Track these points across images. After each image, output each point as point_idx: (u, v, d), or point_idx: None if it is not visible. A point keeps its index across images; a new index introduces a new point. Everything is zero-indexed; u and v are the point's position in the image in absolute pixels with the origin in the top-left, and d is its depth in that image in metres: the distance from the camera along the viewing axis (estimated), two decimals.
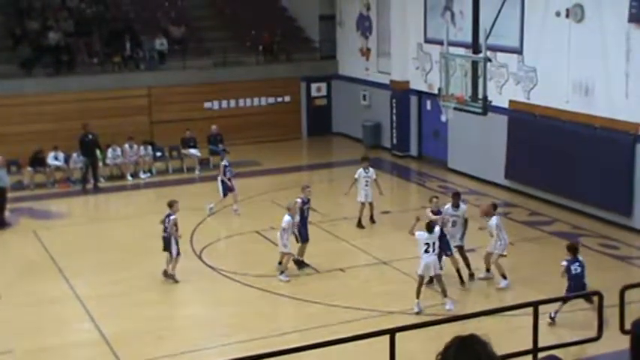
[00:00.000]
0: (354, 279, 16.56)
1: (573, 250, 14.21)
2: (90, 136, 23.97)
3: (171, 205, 16.48)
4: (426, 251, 14.46)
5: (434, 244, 14.55)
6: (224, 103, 29.01)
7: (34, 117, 25.90)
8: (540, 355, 9.22)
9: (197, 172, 25.49)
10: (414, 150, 26.94)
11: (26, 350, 13.47)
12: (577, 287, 13.42)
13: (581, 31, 19.81)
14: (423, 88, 25.97)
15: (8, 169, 23.58)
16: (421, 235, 14.54)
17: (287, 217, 16.30)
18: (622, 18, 18.51)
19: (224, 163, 21.05)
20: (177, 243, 16.28)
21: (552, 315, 13.59)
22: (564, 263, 13.93)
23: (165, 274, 16.30)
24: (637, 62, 18.48)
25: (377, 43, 28.34)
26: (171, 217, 16.24)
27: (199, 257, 17.84)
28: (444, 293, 14.62)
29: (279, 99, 29.81)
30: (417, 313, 14.35)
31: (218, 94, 28.82)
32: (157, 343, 13.71)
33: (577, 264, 13.94)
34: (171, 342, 13.76)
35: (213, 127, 26.30)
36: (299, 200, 16.98)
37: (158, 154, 25.82)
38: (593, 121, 19.63)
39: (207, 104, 28.70)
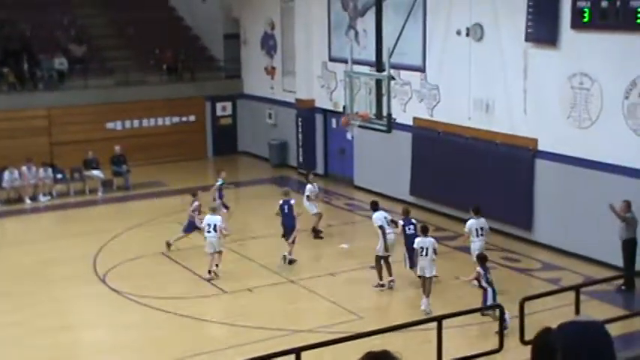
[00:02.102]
0: (262, 298, 16.41)
1: (483, 259, 14.54)
2: None
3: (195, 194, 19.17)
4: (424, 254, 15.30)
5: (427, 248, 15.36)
6: (127, 123, 28.47)
7: None
8: None
9: (100, 193, 24.89)
10: (320, 168, 26.99)
11: None
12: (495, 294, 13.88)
13: (481, 50, 20.27)
14: (329, 106, 26.10)
15: None
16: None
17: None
18: (519, 37, 19.02)
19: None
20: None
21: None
22: (480, 271, 14.26)
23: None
24: (534, 80, 19.01)
25: (282, 62, 28.36)
26: (195, 204, 18.65)
27: (103, 280, 17.38)
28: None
29: (184, 118, 29.47)
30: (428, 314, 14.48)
31: (121, 114, 28.27)
32: None
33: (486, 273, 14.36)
34: None
35: (116, 147, 25.78)
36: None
37: (59, 176, 25.09)
38: (494, 137, 20.08)
39: (109, 124, 28.11)
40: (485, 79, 20.21)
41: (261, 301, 16.25)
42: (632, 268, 15.92)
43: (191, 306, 15.90)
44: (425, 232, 15.68)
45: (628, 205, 16.03)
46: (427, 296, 15.28)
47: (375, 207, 17.19)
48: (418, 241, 15.38)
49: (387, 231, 16.52)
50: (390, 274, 16.53)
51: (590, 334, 3.50)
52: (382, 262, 16.49)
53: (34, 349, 14.15)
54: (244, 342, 13.97)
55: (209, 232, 17.13)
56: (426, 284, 15.38)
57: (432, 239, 15.67)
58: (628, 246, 15.99)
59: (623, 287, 15.97)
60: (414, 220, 16.55)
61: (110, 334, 15.00)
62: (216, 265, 17.20)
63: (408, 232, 16.21)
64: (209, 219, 17.33)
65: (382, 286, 16.56)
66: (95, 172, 25.18)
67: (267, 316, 15.26)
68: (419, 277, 15.59)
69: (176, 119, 29.27)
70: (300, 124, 27.13)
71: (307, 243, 19.56)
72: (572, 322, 3.63)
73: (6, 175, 24.01)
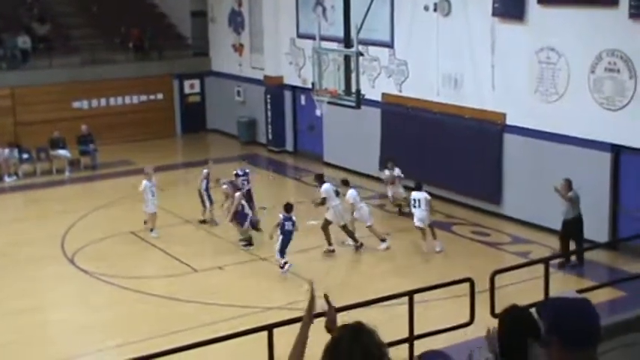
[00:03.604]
0: (233, 277, 16.39)
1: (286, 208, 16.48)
2: None
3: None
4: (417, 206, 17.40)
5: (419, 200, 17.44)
6: (94, 102, 28.17)
7: None
8: (416, 342, 9.34)
9: (67, 173, 24.66)
10: (289, 145, 26.95)
11: None
12: None
13: (448, 25, 20.26)
14: (297, 83, 26.00)
15: None
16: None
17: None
18: (486, 12, 19.04)
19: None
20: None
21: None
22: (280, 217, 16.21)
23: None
24: (501, 55, 19.06)
25: (250, 39, 28.18)
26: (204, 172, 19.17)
27: (72, 261, 17.25)
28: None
29: (152, 97, 29.22)
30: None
31: (87, 93, 27.95)
32: (32, 351, 13.13)
33: None
34: (47, 349, 13.23)
35: (83, 127, 25.52)
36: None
37: (25, 156, 24.80)
38: (463, 112, 20.13)
39: (75, 104, 27.79)
40: (453, 55, 20.22)
41: (231, 280, 16.23)
42: (582, 244, 16.11)
43: (161, 285, 15.85)
44: (419, 188, 17.52)
45: (569, 183, 16.16)
46: (435, 238, 17.33)
47: (321, 180, 18.04)
48: (412, 194, 17.44)
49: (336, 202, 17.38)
50: (355, 239, 17.46)
51: (578, 310, 3.55)
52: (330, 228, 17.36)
53: (3, 330, 14.02)
54: (215, 320, 13.96)
55: None
56: (426, 232, 17.24)
57: (425, 193, 17.39)
58: (577, 223, 16.10)
59: (574, 264, 16.15)
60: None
61: (80, 314, 14.89)
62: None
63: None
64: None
65: (332, 251, 17.28)
66: (62, 152, 24.93)
67: (237, 294, 15.26)
68: (417, 227, 17.30)
69: (144, 97, 29.01)
70: (268, 101, 27.02)
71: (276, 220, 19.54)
72: (560, 298, 3.68)
73: None
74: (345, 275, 16.74)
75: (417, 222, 17.35)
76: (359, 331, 3.64)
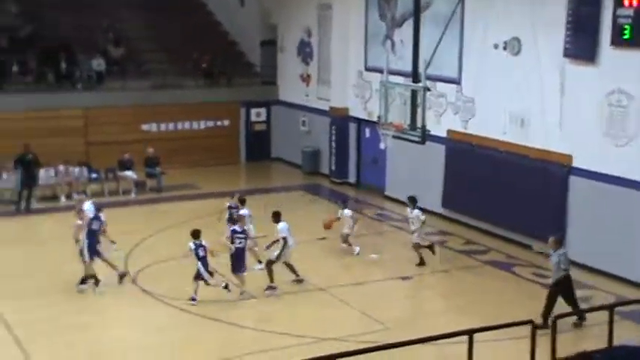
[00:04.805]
0: (290, 305, 16.44)
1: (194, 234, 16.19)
2: (30, 156, 23.52)
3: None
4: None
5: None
6: (162, 126, 28.73)
7: None
8: None
9: (133, 194, 25.13)
10: (352, 177, 27.03)
11: None
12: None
13: (518, 64, 20.17)
14: (363, 115, 26.12)
15: None
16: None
17: None
18: (557, 53, 18.91)
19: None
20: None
21: None
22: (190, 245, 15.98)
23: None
24: (571, 96, 18.88)
25: (317, 70, 28.45)
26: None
27: (134, 281, 17.52)
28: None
29: (219, 123, 29.67)
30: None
31: (156, 117, 28.53)
32: None
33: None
34: None
35: (150, 149, 26.01)
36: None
37: (93, 175, 25.38)
38: (529, 152, 19.96)
39: (144, 126, 28.38)
40: (521, 94, 20.09)
41: (289, 308, 16.27)
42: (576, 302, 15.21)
43: (220, 310, 15.96)
44: (414, 203, 18.64)
45: (557, 242, 15.27)
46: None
47: (277, 218, 17.30)
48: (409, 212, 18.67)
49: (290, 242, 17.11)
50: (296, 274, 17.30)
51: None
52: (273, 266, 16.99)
53: (64, 345, 14.28)
54: (271, 347, 14.02)
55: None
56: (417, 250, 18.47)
57: (418, 211, 18.51)
58: (567, 282, 15.16)
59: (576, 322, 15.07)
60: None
61: (140, 334, 15.06)
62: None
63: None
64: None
65: (273, 288, 16.85)
66: (129, 173, 25.43)
67: (294, 323, 15.27)
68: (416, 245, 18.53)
69: (211, 123, 29.47)
70: (333, 132, 27.20)
71: (334, 252, 19.60)
72: (624, 347, 3.62)
73: (42, 173, 24.34)
74: (405, 309, 16.63)
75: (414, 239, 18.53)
76: None
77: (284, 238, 16.86)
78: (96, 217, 17.51)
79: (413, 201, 18.81)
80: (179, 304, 16.12)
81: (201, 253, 16.11)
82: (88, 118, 27.39)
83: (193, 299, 16.11)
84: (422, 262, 18.53)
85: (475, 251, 19.98)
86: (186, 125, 29.12)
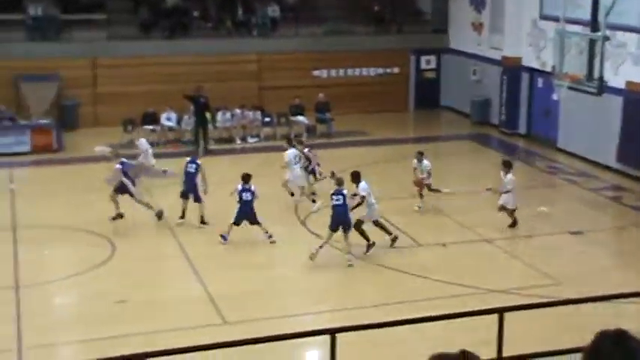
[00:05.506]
0: (455, 255, 16.50)
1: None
2: (202, 99, 24.55)
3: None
4: None
5: None
6: (333, 72, 29.18)
7: (150, 78, 26.71)
8: None
9: (303, 139, 25.73)
10: (522, 128, 26.53)
11: (138, 301, 14.06)
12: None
13: None
14: (536, 65, 25.47)
15: (125, 127, 24.60)
16: None
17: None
18: None
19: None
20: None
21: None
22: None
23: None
24: None
25: (490, 18, 27.90)
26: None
27: (303, 223, 18.11)
28: None
29: (388, 70, 29.79)
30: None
31: (327, 63, 29.01)
32: (257, 304, 14.02)
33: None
34: (270, 305, 14.01)
35: (321, 95, 26.54)
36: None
37: (267, 119, 26.25)
38: None
39: (316, 72, 28.94)
40: None
41: (453, 258, 16.34)
42: None
43: (385, 255, 16.22)
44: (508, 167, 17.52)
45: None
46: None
47: (357, 179, 16.50)
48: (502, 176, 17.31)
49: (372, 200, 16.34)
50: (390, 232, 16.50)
51: None
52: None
53: (236, 281, 15.04)
54: (436, 296, 14.21)
55: None
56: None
57: (511, 176, 17.29)
58: None
59: None
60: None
61: (304, 275, 15.53)
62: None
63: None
64: None
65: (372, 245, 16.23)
66: (300, 118, 26.09)
67: (458, 273, 15.33)
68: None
69: (380, 70, 29.65)
70: (504, 82, 26.71)
71: None
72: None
73: (219, 115, 25.44)
74: (576, 264, 16.34)
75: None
76: (623, 336, 3.45)
77: (363, 197, 16.15)
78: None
79: (508, 165, 17.80)
80: (342, 246, 16.44)
81: (245, 196, 16.52)
82: (262, 62, 28.23)
83: (224, 237, 16.61)
84: (514, 224, 17.58)
85: None
86: (357, 72, 29.43)
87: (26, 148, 23.47)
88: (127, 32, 27.53)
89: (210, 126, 24.76)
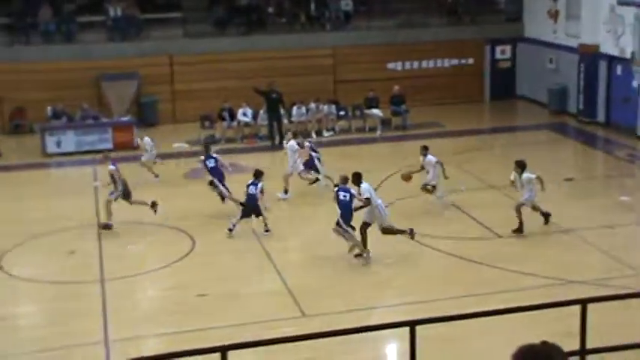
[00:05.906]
0: (535, 246, 16.34)
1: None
2: (274, 95, 24.81)
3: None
4: None
5: None
6: (407, 64, 29.16)
7: (226, 74, 27.13)
8: None
9: (378, 132, 25.84)
10: (601, 116, 26.04)
11: (218, 295, 14.35)
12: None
13: None
14: (614, 52, 24.96)
15: (202, 123, 25.05)
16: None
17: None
18: None
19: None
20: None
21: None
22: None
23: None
24: None
25: (566, 5, 27.44)
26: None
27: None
28: None
29: (463, 61, 29.61)
30: None
31: (401, 55, 28.99)
32: (335, 298, 14.13)
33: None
34: (348, 299, 14.10)
35: (396, 87, 26.55)
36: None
37: (342, 112, 26.39)
38: None
39: (390, 65, 28.95)
40: None
41: (534, 249, 16.16)
42: None
43: (462, 246, 16.19)
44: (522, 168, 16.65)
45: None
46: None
47: (358, 180, 15.78)
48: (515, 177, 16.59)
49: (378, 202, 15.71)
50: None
51: None
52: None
53: (314, 275, 15.22)
54: (514, 288, 14.10)
55: None
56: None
57: (528, 175, 16.50)
58: None
59: None
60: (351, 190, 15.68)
61: (379, 268, 15.53)
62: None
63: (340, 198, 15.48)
64: None
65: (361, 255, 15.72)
66: (375, 111, 26.16)
67: (538, 264, 15.20)
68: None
69: (455, 62, 29.49)
70: (582, 69, 26.25)
71: (582, 193, 19.15)
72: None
73: (294, 110, 25.68)
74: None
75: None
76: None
77: (367, 199, 15.52)
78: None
79: (521, 165, 16.85)
80: (423, 240, 16.46)
81: (251, 190, 16.83)
82: (337, 56, 28.38)
83: (231, 230, 16.88)
84: (520, 229, 16.74)
85: None
86: (431, 63, 29.34)
87: (109, 145, 24.12)
88: (202, 29, 28.03)
89: (284, 120, 25.02)
